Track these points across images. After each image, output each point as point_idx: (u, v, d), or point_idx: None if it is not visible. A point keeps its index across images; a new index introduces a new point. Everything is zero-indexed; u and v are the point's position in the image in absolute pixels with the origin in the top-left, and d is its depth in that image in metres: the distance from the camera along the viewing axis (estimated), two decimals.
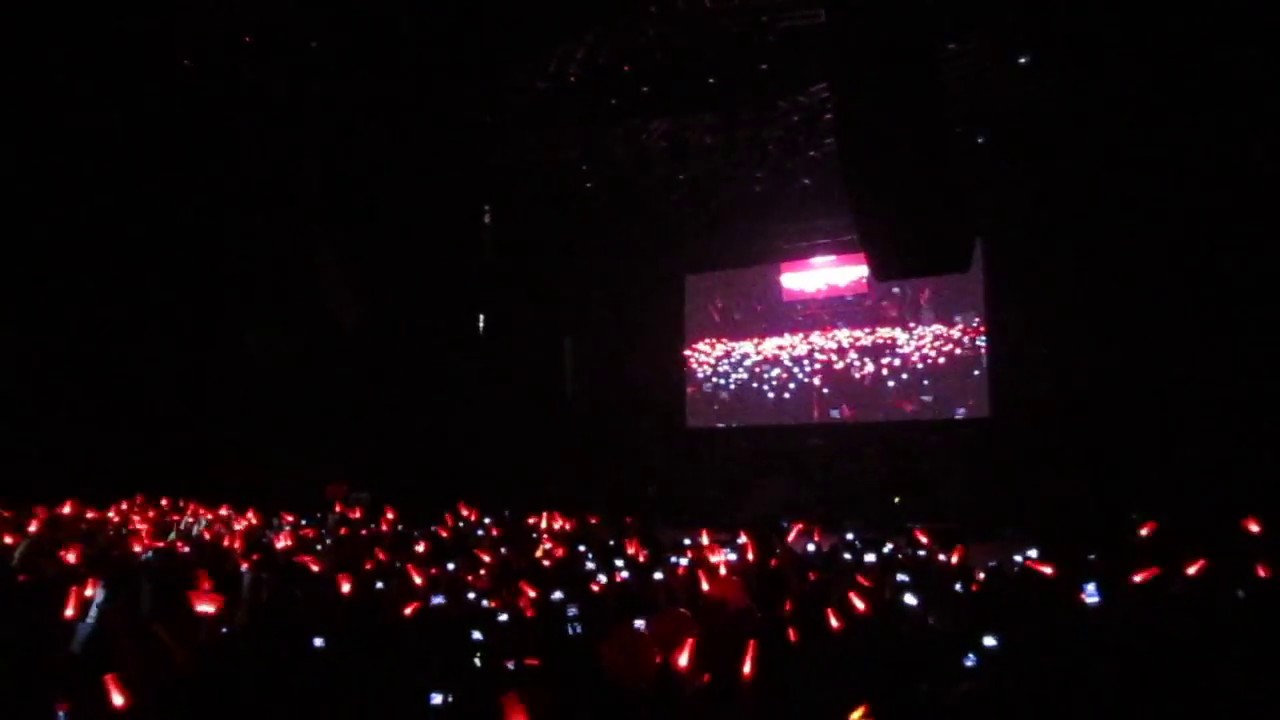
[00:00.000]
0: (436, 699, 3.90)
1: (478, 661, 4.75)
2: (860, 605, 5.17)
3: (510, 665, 4.55)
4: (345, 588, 6.51)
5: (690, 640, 4.15)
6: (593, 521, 12.49)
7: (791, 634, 4.72)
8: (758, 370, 18.96)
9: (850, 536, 9.93)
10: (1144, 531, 8.69)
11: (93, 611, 5.73)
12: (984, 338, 16.50)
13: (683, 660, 4.12)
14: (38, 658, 4.63)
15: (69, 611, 5.55)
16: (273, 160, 15.48)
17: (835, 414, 17.85)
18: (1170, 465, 12.54)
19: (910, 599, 5.47)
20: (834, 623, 5.05)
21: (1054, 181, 14.77)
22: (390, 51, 13.99)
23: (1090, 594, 5.92)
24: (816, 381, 18.21)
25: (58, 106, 14.39)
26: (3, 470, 13.91)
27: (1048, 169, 14.72)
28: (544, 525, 11.95)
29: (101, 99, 14.50)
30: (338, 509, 13.19)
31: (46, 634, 5.05)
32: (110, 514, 12.75)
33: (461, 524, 11.99)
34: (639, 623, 4.89)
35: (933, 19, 10.45)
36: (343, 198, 15.23)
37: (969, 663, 4.37)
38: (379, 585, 6.87)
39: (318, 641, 4.97)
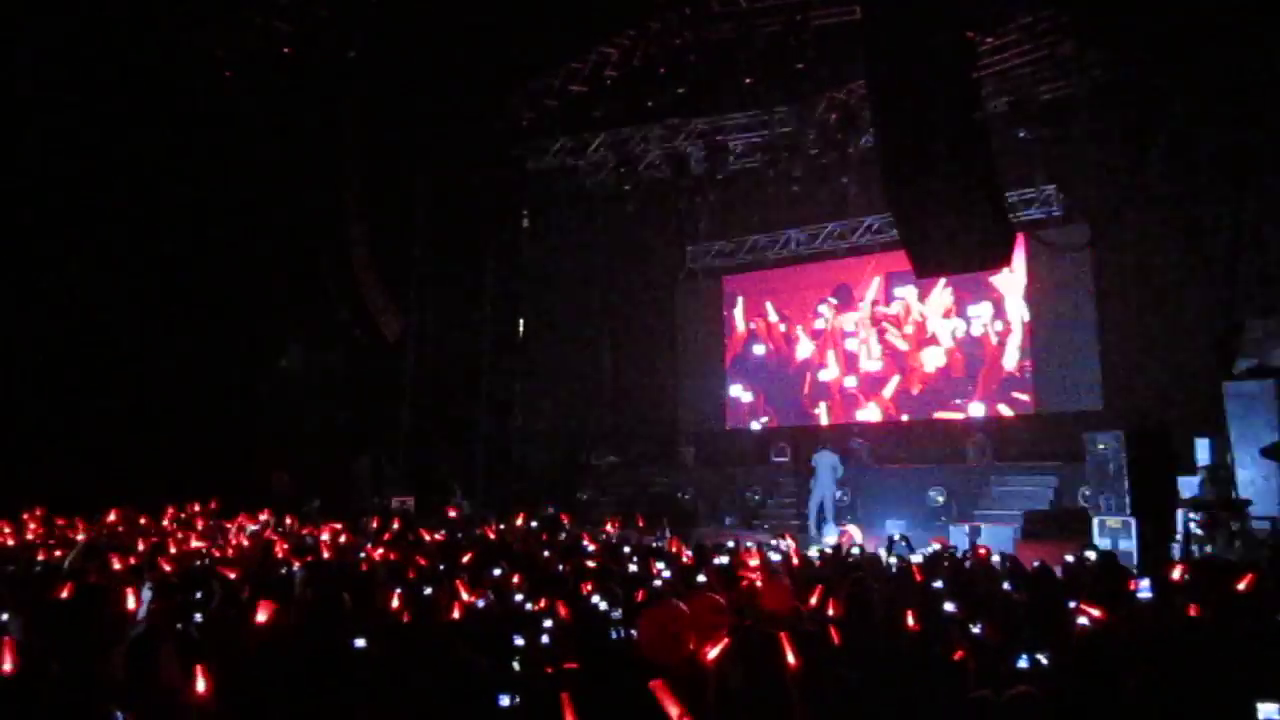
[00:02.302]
0: (504, 701, 3.89)
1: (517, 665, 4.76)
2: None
3: (550, 669, 4.54)
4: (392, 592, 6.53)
5: (724, 640, 4.11)
6: (640, 524, 12.52)
7: (834, 635, 4.66)
8: (797, 370, 18.85)
9: (896, 536, 9.83)
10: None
11: (143, 612, 5.84)
12: (1027, 333, 16.28)
13: (712, 655, 4.08)
14: (94, 660, 4.70)
15: (130, 605, 5.66)
16: (313, 168, 15.66)
17: (864, 415, 17.73)
18: (1220, 460, 12.25)
19: (949, 606, 5.37)
20: (881, 625, 4.99)
21: (1096, 176, 14.54)
22: (427, 59, 14.12)
23: (1143, 589, 5.84)
24: (857, 381, 18.07)
25: (100, 116, 14.67)
26: (50, 481, 14.19)
27: (1088, 162, 14.49)
28: (586, 528, 11.97)
29: (144, 110, 14.77)
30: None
31: (101, 636, 5.13)
32: (163, 522, 12.95)
33: (506, 528, 12.03)
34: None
35: (969, 13, 10.34)
36: (383, 206, 15.37)
37: (1022, 664, 4.30)
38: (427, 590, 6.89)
39: (360, 642, 4.99)
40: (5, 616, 5.29)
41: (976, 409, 16.63)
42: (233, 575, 6.63)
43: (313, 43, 13.82)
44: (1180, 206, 13.58)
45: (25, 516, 12.47)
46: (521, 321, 19.66)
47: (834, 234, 17.94)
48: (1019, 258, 15.09)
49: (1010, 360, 16.38)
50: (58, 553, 9.09)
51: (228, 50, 13.72)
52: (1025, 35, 13.19)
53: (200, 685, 3.79)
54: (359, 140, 14.99)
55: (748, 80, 14.09)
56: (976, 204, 8.97)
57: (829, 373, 18.36)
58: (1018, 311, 16.40)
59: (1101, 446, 10.98)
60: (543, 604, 6.10)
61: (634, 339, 20.18)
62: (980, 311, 16.75)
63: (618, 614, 5.80)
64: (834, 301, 18.43)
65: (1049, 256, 15.76)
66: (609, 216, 18.58)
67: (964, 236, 9.32)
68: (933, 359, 17.26)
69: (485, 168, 17.29)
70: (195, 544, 10.29)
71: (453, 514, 13.42)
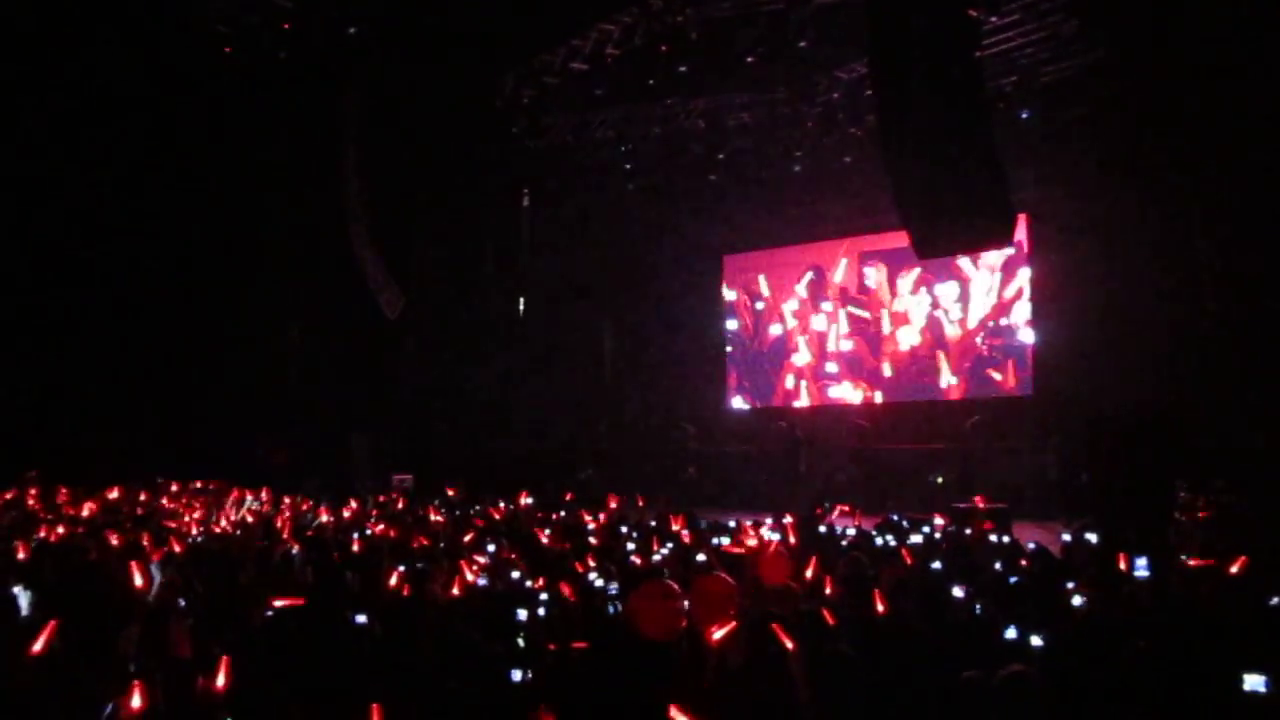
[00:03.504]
0: (516, 675, 3.96)
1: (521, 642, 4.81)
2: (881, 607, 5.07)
3: (552, 647, 4.60)
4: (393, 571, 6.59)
5: (732, 624, 4.15)
6: (640, 504, 12.57)
7: (828, 616, 4.71)
8: (797, 350, 18.87)
9: (895, 517, 9.89)
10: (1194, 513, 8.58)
11: (154, 589, 5.90)
12: (1027, 313, 16.30)
13: (717, 635, 4.12)
14: (109, 634, 4.76)
15: (138, 581, 5.70)
16: (313, 146, 15.63)
17: (848, 394, 17.77)
18: (1217, 443, 12.30)
19: (958, 592, 5.40)
20: (879, 606, 5.03)
21: (1098, 156, 14.51)
22: (428, 35, 14.06)
23: (1140, 569, 5.89)
24: (857, 361, 18.10)
25: (98, 92, 14.62)
26: (52, 456, 14.27)
27: (1091, 143, 14.45)
28: (586, 507, 12.02)
29: (143, 86, 14.73)
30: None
31: (110, 613, 5.18)
32: (162, 499, 13.03)
33: (511, 507, 12.08)
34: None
35: None
36: (383, 183, 15.36)
37: (1010, 634, 4.34)
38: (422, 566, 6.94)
39: (361, 618, 5.05)
40: (16, 591, 5.35)
41: (993, 388, 16.68)
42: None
43: (313, 19, 13.76)
44: (1181, 190, 13.54)
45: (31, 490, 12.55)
46: (522, 300, 19.66)
47: (837, 212, 17.92)
48: (1019, 236, 15.09)
49: (1022, 339, 16.41)
50: (61, 529, 9.17)
51: (228, 26, 13.67)
52: (1028, 14, 13.12)
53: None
54: (359, 117, 14.96)
55: (749, 59, 14.01)
56: (978, 184, 8.95)
57: (801, 356, 18.50)
58: (996, 290, 16.51)
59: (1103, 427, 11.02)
60: (541, 582, 6.17)
61: (634, 317, 20.17)
62: (952, 290, 16.91)
63: (614, 590, 5.87)
64: (811, 279, 18.53)
65: (1048, 236, 15.75)
66: (609, 196, 18.53)
67: (966, 217, 9.29)
68: (906, 338, 17.40)
69: (486, 145, 17.23)
70: (194, 528, 10.38)
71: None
